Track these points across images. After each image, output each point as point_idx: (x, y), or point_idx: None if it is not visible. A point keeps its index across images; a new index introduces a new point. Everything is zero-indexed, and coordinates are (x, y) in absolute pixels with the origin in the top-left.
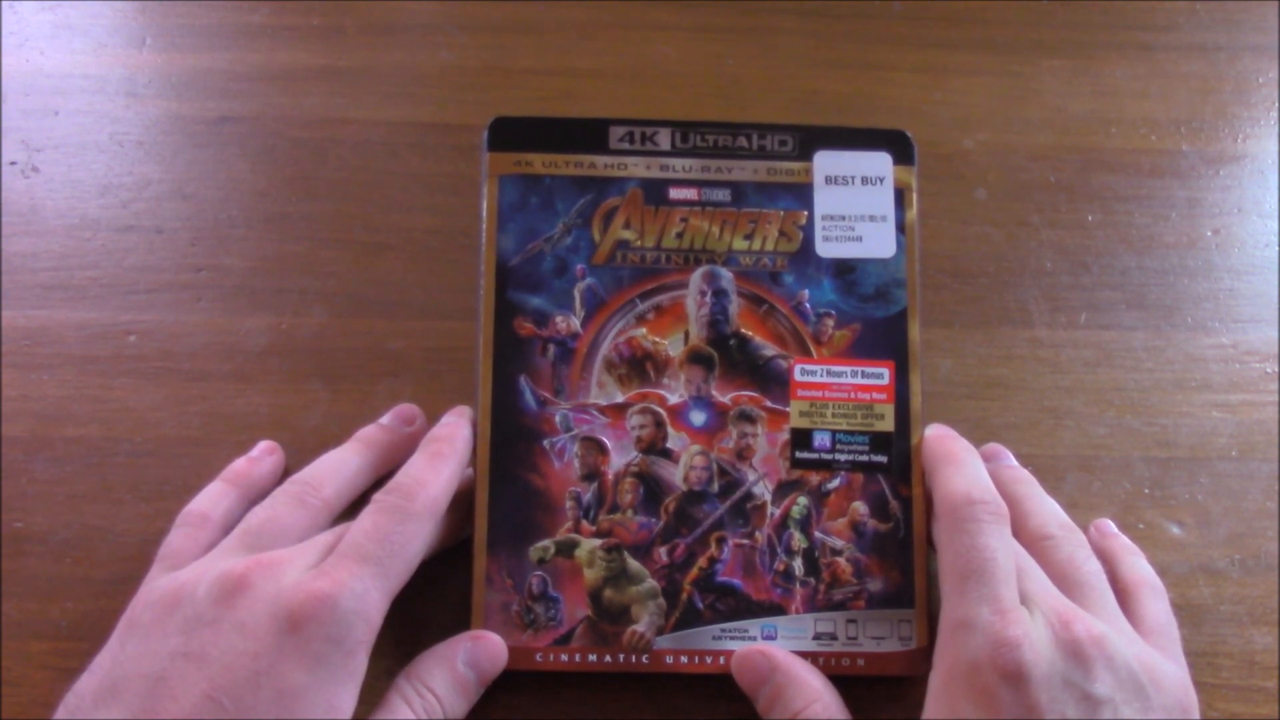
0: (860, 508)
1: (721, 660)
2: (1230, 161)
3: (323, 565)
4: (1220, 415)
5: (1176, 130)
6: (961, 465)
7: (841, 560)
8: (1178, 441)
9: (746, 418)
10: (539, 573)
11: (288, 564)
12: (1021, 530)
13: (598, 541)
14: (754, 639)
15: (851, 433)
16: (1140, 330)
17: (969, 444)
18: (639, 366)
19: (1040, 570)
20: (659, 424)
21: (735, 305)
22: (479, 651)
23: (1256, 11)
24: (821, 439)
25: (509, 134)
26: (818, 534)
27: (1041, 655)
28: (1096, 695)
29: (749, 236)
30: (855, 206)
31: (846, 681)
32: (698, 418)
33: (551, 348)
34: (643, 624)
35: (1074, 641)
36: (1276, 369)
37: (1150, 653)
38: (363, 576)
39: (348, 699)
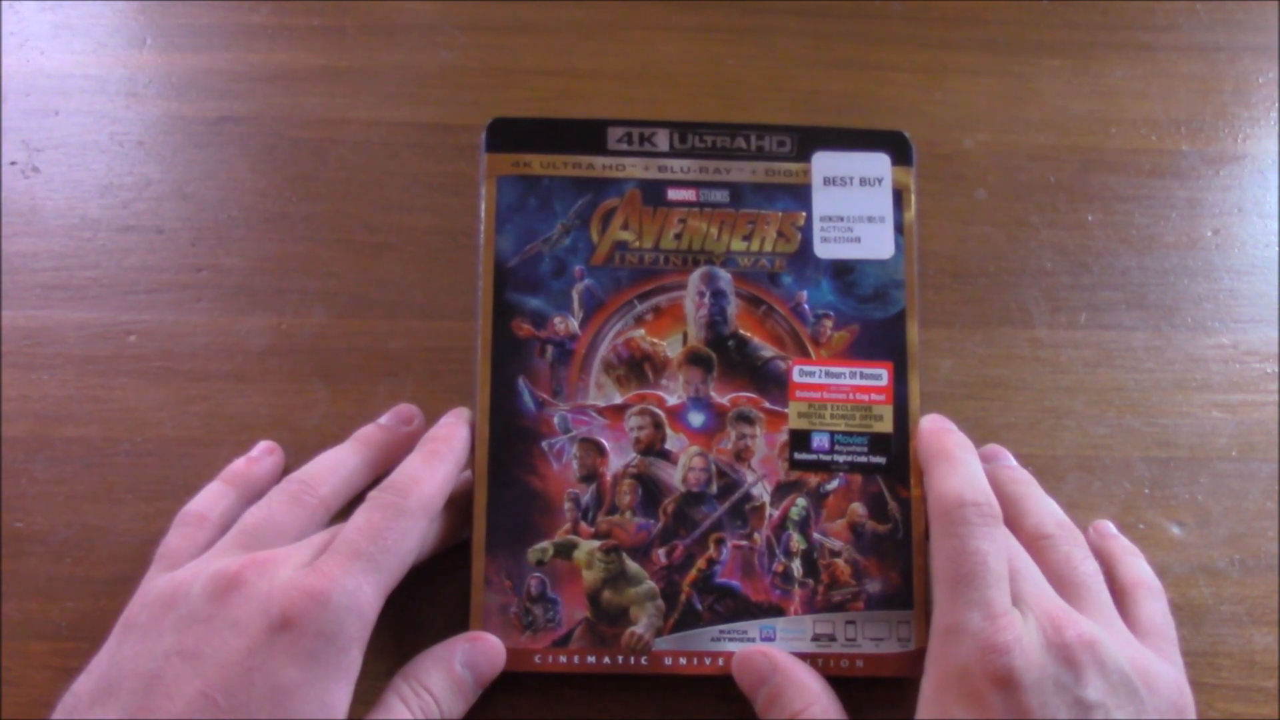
0: (859, 509)
1: (720, 662)
2: (1230, 161)
3: (316, 562)
4: (1220, 415)
5: (1176, 130)
6: (955, 463)
7: (840, 561)
8: (1178, 441)
9: (745, 419)
10: (537, 574)
11: (282, 562)
12: (1019, 529)
13: (596, 543)
14: (753, 640)
15: (850, 434)
16: (1140, 330)
17: (964, 438)
18: (637, 368)
19: (1036, 571)
20: (657, 425)
21: (733, 306)
22: (476, 653)
23: (1256, 11)
24: (820, 440)
25: (507, 135)
26: (816, 535)
27: (1032, 660)
28: (1088, 700)
29: (747, 237)
30: (854, 207)
31: (845, 683)
32: (696, 419)
33: (550, 349)
34: (641, 625)
35: (1065, 645)
36: (1276, 369)
37: (1144, 654)
38: (355, 573)
39: (341, 696)
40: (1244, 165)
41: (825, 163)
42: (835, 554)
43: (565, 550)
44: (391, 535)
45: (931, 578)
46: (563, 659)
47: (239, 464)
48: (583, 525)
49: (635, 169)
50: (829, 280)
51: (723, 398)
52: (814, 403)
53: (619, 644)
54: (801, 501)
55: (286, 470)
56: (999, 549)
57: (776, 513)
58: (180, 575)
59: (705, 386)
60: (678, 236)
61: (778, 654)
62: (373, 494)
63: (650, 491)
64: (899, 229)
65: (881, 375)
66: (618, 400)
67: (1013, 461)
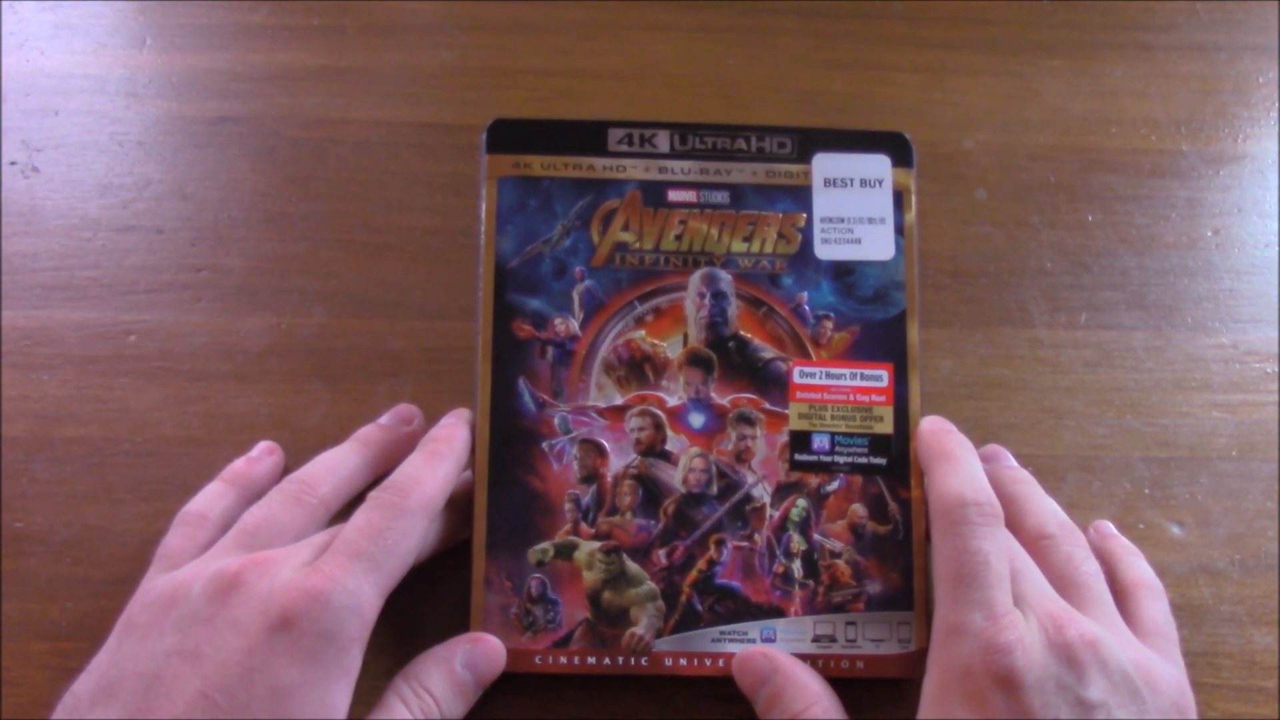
0: (859, 510)
1: (721, 663)
2: (1230, 161)
3: (316, 563)
4: (1220, 415)
5: (1176, 130)
6: (956, 463)
7: (840, 562)
8: (1178, 441)
9: (745, 420)
10: (538, 575)
11: (282, 562)
12: (1019, 529)
13: (597, 544)
14: (753, 641)
15: (850, 435)
16: (1140, 330)
17: (964, 438)
18: (638, 369)
19: (1037, 571)
20: (658, 426)
21: (734, 307)
22: (477, 653)
23: (1256, 11)
24: (820, 441)
25: (507, 136)
26: (817, 536)
27: (1034, 660)
28: (1090, 699)
29: (748, 239)
30: (854, 209)
31: (846, 684)
32: (697, 420)
33: (550, 350)
34: (642, 626)
35: (1067, 645)
36: (1276, 369)
37: (1146, 654)
38: (355, 573)
39: (341, 696)
40: (1244, 165)
41: (825, 164)
42: (836, 555)
43: (566, 551)
44: (392, 535)
45: (933, 578)
46: (563, 660)
47: (239, 464)
48: (583, 526)
49: (636, 170)
50: (829, 281)
51: (723, 399)
52: (814, 404)
53: (619, 645)
54: (802, 502)
55: (286, 470)
56: (1000, 549)
57: (777, 514)
58: (180, 575)
59: (706, 387)
60: (678, 238)
61: (778, 655)
62: (373, 494)
63: (651, 492)
64: (899, 230)
65: (882, 376)
66: (618, 401)
67: (1013, 462)
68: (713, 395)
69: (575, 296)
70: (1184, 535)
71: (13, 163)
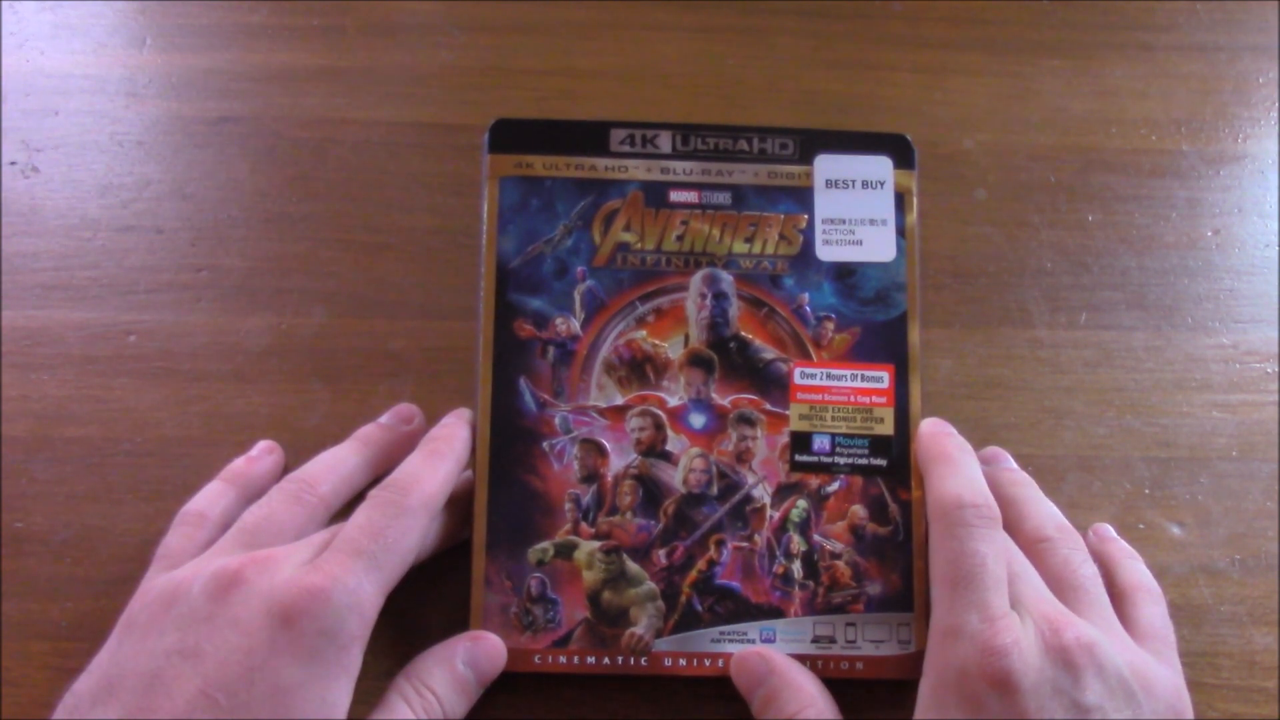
0: (859, 511)
1: (720, 663)
2: (1230, 161)
3: (316, 560)
4: (1220, 415)
5: (1176, 130)
6: (954, 465)
7: (840, 563)
8: (1178, 441)
9: (746, 420)
10: (538, 575)
11: (282, 560)
12: (1018, 532)
13: (597, 544)
14: (753, 642)
15: (851, 436)
16: (1140, 330)
17: (963, 441)
18: (639, 369)
19: (1034, 573)
20: (658, 426)
21: (735, 308)
22: (478, 651)
23: (1256, 11)
24: (821, 442)
25: (510, 136)
26: (817, 537)
27: (1030, 663)
28: (1085, 703)
29: (749, 239)
30: (855, 210)
31: (845, 684)
32: (697, 420)
33: (551, 350)
34: (641, 626)
35: (1063, 649)
36: (1276, 369)
37: (1143, 658)
38: (356, 571)
39: (342, 694)
40: (1244, 165)
41: (827, 165)
42: (835, 556)
43: (566, 551)
44: (392, 534)
45: (930, 579)
46: (562, 659)
47: (239, 463)
48: (583, 526)
49: (638, 171)
50: (830, 282)
51: (724, 399)
52: (815, 405)
53: (619, 645)
54: (802, 503)
55: (286, 470)
56: (998, 551)
57: (777, 514)
58: (180, 574)
59: (706, 388)
60: (680, 238)
61: (774, 656)
62: (374, 492)
63: (651, 492)
64: (901, 232)
65: (883, 378)
66: (619, 401)
67: (1012, 464)
68: (713, 396)
69: (576, 296)
70: (1184, 535)
71: (13, 163)
